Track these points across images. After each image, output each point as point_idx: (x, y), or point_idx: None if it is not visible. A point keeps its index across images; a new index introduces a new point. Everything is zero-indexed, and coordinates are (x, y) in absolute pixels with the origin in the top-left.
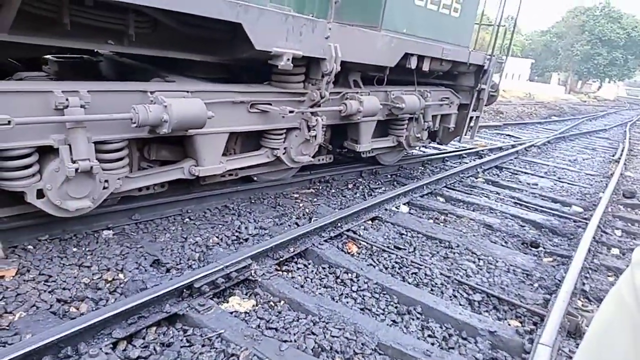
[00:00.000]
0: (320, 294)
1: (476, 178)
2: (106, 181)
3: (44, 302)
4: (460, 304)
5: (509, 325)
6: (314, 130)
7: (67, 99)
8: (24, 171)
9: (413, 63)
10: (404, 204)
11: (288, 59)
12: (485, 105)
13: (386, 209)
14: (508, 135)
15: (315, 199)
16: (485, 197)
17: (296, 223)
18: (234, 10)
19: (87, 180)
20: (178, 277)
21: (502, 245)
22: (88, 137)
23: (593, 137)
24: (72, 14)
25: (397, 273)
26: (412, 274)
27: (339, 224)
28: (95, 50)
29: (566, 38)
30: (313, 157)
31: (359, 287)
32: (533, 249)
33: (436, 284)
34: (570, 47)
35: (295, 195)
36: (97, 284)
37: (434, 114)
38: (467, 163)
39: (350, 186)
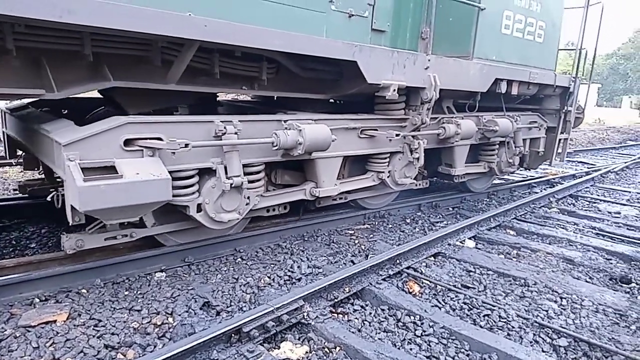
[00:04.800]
0: (379, 339)
1: (549, 208)
2: (248, 197)
3: (92, 348)
4: (544, 351)
5: None
6: (417, 152)
7: (225, 127)
8: (189, 189)
9: (503, 87)
10: (470, 239)
11: (394, 90)
12: (572, 128)
13: (450, 244)
14: (580, 162)
15: (371, 235)
16: (562, 228)
17: (352, 261)
18: (351, 50)
19: (236, 195)
20: (227, 320)
21: (587, 282)
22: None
23: None
24: (220, 65)
25: (467, 315)
26: (484, 316)
27: (398, 261)
28: (217, 98)
29: (635, 59)
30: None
31: (424, 331)
32: (624, 285)
33: (513, 327)
34: None
35: (350, 232)
36: (146, 329)
37: (523, 137)
38: (537, 192)
39: (408, 221)
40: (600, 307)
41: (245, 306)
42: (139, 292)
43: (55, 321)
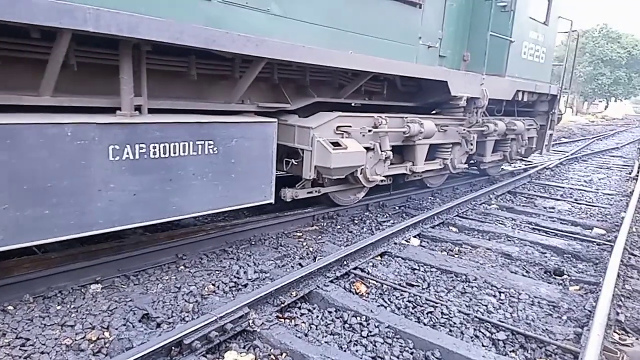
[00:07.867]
0: (326, 342)
1: (489, 205)
2: (385, 166)
3: None
4: (484, 345)
5: None
6: (471, 144)
7: (381, 120)
8: None
9: (520, 96)
10: (415, 237)
11: (465, 99)
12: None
13: (395, 243)
14: (518, 159)
15: (319, 237)
16: (501, 224)
17: (299, 264)
18: (445, 74)
19: (382, 164)
20: (168, 332)
21: (524, 276)
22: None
23: (606, 156)
24: (365, 85)
25: (411, 313)
26: (427, 313)
27: (345, 262)
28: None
29: (568, 61)
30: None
31: (370, 331)
32: (557, 277)
33: (455, 323)
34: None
35: (298, 234)
36: (80, 345)
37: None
38: (478, 190)
39: (356, 221)
40: (535, 300)
41: (188, 316)
42: (72, 306)
43: None
